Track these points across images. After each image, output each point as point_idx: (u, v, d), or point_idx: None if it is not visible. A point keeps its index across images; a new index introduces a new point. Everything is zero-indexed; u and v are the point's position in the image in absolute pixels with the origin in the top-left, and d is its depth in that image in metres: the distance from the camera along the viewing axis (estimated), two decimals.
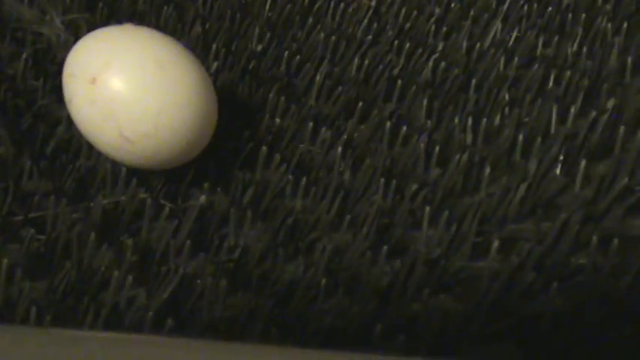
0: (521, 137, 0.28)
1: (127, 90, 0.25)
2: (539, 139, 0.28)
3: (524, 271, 0.23)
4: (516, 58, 0.33)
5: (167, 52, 0.26)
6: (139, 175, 0.28)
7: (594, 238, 0.23)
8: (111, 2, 0.37)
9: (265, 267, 0.25)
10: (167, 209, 0.26)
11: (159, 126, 0.25)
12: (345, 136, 0.30)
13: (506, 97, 0.31)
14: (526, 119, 0.30)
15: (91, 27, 0.35)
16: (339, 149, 0.29)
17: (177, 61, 0.26)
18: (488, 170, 0.26)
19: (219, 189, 0.28)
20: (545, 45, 0.34)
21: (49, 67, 0.33)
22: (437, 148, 0.28)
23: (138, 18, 0.37)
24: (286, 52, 0.34)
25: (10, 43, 0.34)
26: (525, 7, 0.37)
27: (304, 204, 0.27)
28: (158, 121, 0.25)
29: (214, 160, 0.29)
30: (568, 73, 0.31)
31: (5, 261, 0.24)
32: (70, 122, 0.30)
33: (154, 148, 0.26)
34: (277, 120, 0.31)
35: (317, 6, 0.38)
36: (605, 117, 0.28)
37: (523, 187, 0.26)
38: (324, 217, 0.26)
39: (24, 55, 0.33)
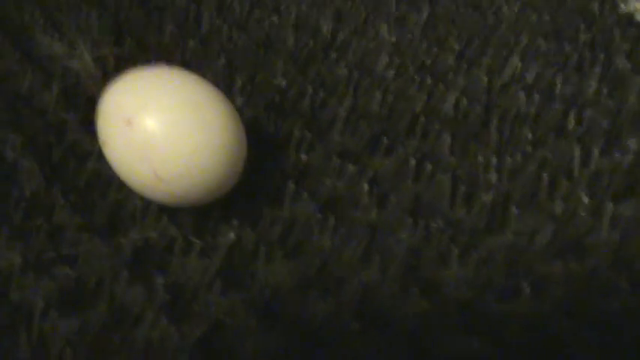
0: (545, 177, 0.28)
1: (162, 131, 0.26)
2: (563, 180, 0.28)
3: (554, 316, 0.23)
4: (537, 96, 0.34)
5: (200, 93, 0.27)
6: (169, 211, 0.28)
7: (624, 282, 0.23)
8: (138, 37, 0.38)
9: (296, 306, 0.25)
10: (198, 246, 0.27)
11: (192, 166, 0.26)
12: (370, 172, 0.31)
13: (529, 135, 0.31)
14: (549, 158, 0.30)
15: (119, 61, 0.36)
16: (365, 185, 0.29)
17: (209, 102, 0.27)
18: (514, 210, 0.27)
19: (247, 226, 0.28)
20: (565, 82, 0.35)
21: (79, 101, 0.34)
22: (462, 188, 0.28)
23: (164, 52, 0.37)
24: (310, 87, 0.35)
25: (40, 77, 0.35)
26: (543, 44, 0.38)
27: (333, 242, 0.27)
28: (192, 162, 0.26)
29: (242, 197, 0.29)
30: (588, 111, 0.32)
31: (40, 302, 0.24)
32: (100, 157, 0.31)
33: (187, 187, 0.26)
34: (303, 156, 0.31)
35: (339, 41, 0.39)
36: (629, 158, 0.28)
37: (550, 228, 0.26)
38: (352, 255, 0.27)
39: (54, 89, 0.34)
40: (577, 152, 0.29)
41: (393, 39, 0.39)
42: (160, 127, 0.26)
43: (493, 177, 0.29)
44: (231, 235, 0.27)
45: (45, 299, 0.24)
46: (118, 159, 0.26)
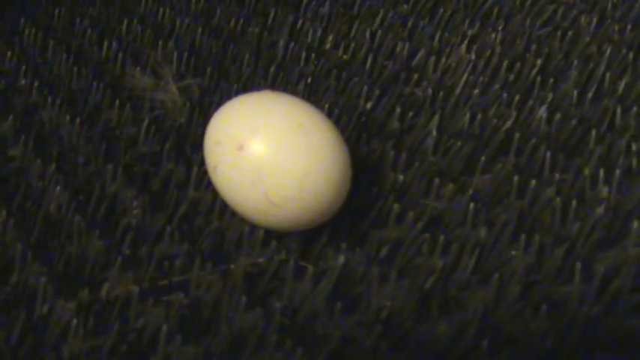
0: None
1: (273, 155, 0.26)
2: None
3: None
4: (634, 107, 0.33)
5: (307, 116, 0.27)
6: (276, 236, 0.28)
7: None
8: (219, 66, 0.38)
9: (417, 326, 0.25)
10: (310, 270, 0.27)
11: (304, 189, 0.26)
12: (470, 190, 0.30)
13: (633, 147, 0.31)
14: None
15: (203, 91, 0.37)
16: (470, 205, 0.29)
17: (316, 125, 0.27)
18: (635, 224, 0.26)
19: (355, 248, 0.28)
20: None
21: (169, 132, 0.34)
22: (573, 203, 0.28)
23: (245, 80, 0.38)
24: (398, 109, 0.35)
25: (130, 110, 0.35)
26: (630, 55, 0.37)
27: (444, 261, 0.27)
28: (304, 185, 0.25)
29: (347, 219, 0.29)
30: None
31: (164, 327, 0.24)
32: (198, 184, 0.31)
33: (298, 210, 0.26)
34: (400, 176, 0.31)
35: (415, 61, 0.39)
36: None
37: None
38: (468, 275, 0.26)
39: (145, 121, 0.34)
40: None
41: (473, 57, 0.39)
42: (271, 150, 0.26)
43: (603, 190, 0.28)
44: (341, 258, 0.27)
45: (167, 325, 0.24)
46: (229, 184, 0.26)
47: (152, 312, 0.26)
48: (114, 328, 0.25)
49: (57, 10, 0.43)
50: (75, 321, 0.25)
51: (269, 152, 0.26)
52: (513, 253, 0.27)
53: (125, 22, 0.41)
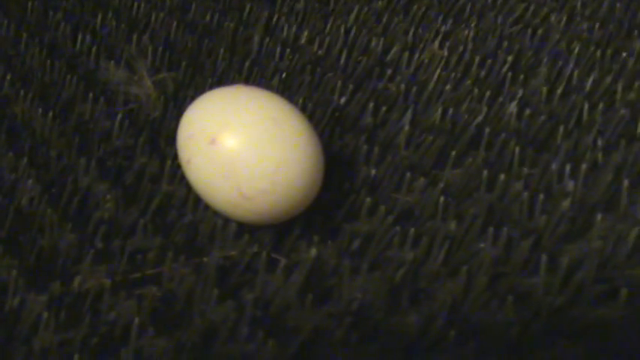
0: (626, 183, 0.28)
1: (245, 148, 0.26)
2: None
3: None
4: (600, 104, 0.34)
5: (280, 110, 0.27)
6: (249, 229, 0.28)
7: None
8: (193, 61, 0.38)
9: (387, 317, 0.25)
10: (283, 263, 0.27)
11: (276, 182, 0.26)
12: (441, 185, 0.31)
13: (599, 142, 0.31)
14: (623, 163, 0.30)
15: (178, 85, 0.37)
16: (441, 198, 0.29)
17: (289, 118, 0.27)
18: (599, 217, 0.27)
19: (327, 241, 0.28)
20: (625, 89, 0.35)
21: (143, 125, 0.34)
22: (541, 196, 0.28)
23: (220, 75, 0.38)
24: (371, 104, 0.35)
25: (103, 104, 0.35)
26: (598, 53, 0.38)
27: (415, 254, 0.27)
28: (276, 178, 0.26)
29: (319, 213, 0.29)
30: None
31: (136, 320, 0.24)
32: (171, 178, 0.31)
33: (271, 203, 0.26)
34: (373, 170, 0.31)
35: (389, 57, 0.39)
36: None
37: (634, 232, 0.26)
38: (437, 267, 0.27)
39: (119, 115, 0.34)
40: None
41: (445, 53, 0.39)
42: (243, 144, 0.26)
43: (569, 185, 0.29)
44: (313, 251, 0.27)
45: (140, 317, 0.24)
46: (202, 178, 0.27)
47: (124, 305, 0.26)
48: (85, 320, 0.25)
49: (30, 3, 0.43)
50: (46, 314, 0.25)
51: (241, 145, 0.26)
52: (482, 245, 0.28)
53: (99, 16, 0.41)
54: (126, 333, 0.25)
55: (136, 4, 0.43)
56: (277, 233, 0.28)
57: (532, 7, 0.42)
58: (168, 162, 0.31)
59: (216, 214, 0.29)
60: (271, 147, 0.26)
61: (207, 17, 0.42)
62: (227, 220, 0.28)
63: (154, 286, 0.26)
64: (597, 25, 0.40)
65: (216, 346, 0.24)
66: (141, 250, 0.28)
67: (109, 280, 0.26)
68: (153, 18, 0.42)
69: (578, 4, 0.43)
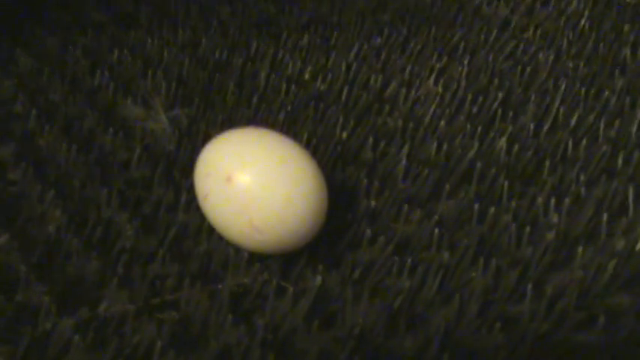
0: (605, 216, 0.31)
1: (258, 186, 0.28)
2: (623, 219, 0.31)
3: (628, 345, 0.26)
4: (584, 140, 0.36)
5: (288, 150, 0.30)
6: (259, 258, 0.31)
7: None
8: (205, 97, 0.41)
9: (386, 342, 0.28)
10: (290, 290, 0.29)
11: (286, 216, 0.28)
12: (435, 217, 0.33)
13: (582, 177, 0.34)
14: (603, 197, 0.33)
15: (192, 120, 0.39)
16: (435, 230, 0.32)
17: (296, 157, 0.30)
18: (580, 249, 0.29)
19: (331, 269, 0.31)
20: (607, 126, 0.38)
21: (159, 158, 0.37)
22: (527, 228, 0.31)
23: (229, 111, 0.40)
24: (371, 138, 0.38)
25: (122, 137, 0.38)
26: (582, 91, 0.41)
27: (411, 282, 0.30)
28: (286, 212, 0.28)
29: (324, 243, 0.32)
30: (636, 153, 0.35)
31: (159, 343, 0.27)
32: (187, 208, 0.33)
33: (280, 235, 0.29)
34: (373, 202, 0.34)
35: (387, 93, 0.42)
36: None
37: (612, 263, 0.29)
38: (432, 295, 0.29)
39: (137, 149, 0.37)
40: (631, 192, 0.32)
41: (440, 90, 0.42)
42: (257, 182, 0.28)
43: (554, 217, 0.32)
44: (318, 279, 0.30)
45: (161, 341, 0.27)
46: (218, 211, 0.29)
47: (146, 328, 0.28)
48: (112, 343, 0.27)
49: (50, 40, 0.45)
50: (76, 337, 0.27)
51: (255, 183, 0.28)
52: (473, 274, 0.30)
53: (116, 52, 0.44)
54: (148, 354, 0.27)
55: (149, 40, 0.45)
56: (285, 262, 0.31)
57: (522, 45, 0.45)
58: (184, 193, 0.34)
59: (228, 243, 0.31)
60: (281, 184, 0.29)
61: (217, 53, 0.45)
62: (239, 249, 0.31)
63: (173, 311, 0.29)
64: (582, 63, 0.43)
65: None
66: (160, 277, 0.31)
67: (132, 305, 0.29)
68: (165, 54, 0.44)
69: (565, 43, 0.46)
